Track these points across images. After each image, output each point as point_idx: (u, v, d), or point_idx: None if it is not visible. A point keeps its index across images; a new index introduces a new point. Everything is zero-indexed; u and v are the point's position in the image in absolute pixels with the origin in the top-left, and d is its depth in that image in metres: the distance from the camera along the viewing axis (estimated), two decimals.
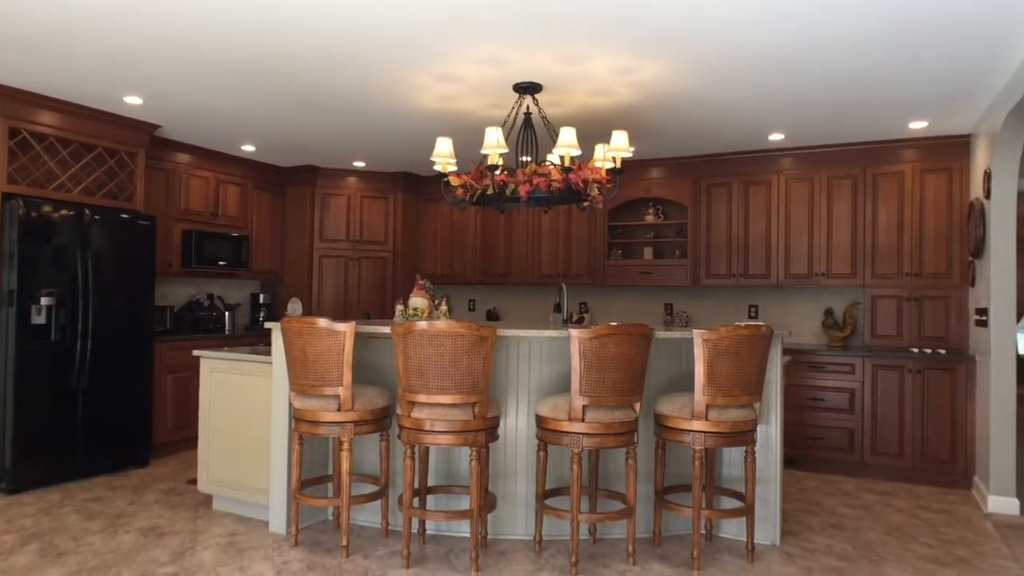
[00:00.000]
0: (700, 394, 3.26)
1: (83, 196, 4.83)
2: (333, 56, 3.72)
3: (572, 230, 6.45)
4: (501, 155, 3.90)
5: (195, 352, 4.11)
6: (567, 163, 3.77)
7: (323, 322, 3.33)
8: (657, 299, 6.37)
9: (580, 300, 6.71)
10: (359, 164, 6.60)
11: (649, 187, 6.14)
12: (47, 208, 4.48)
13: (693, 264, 5.94)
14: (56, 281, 4.52)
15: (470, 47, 3.56)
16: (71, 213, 4.61)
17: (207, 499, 4.21)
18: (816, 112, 4.58)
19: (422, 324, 3.13)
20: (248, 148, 5.98)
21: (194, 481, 4.58)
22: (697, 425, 3.29)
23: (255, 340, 6.15)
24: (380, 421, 3.51)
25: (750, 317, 6.00)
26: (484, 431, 3.25)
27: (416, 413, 3.22)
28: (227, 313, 6.34)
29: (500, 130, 3.77)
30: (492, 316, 7.14)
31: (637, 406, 3.32)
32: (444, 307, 4.73)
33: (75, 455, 4.62)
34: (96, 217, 4.74)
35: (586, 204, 4.04)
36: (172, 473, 4.88)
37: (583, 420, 3.19)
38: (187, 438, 5.54)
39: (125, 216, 4.94)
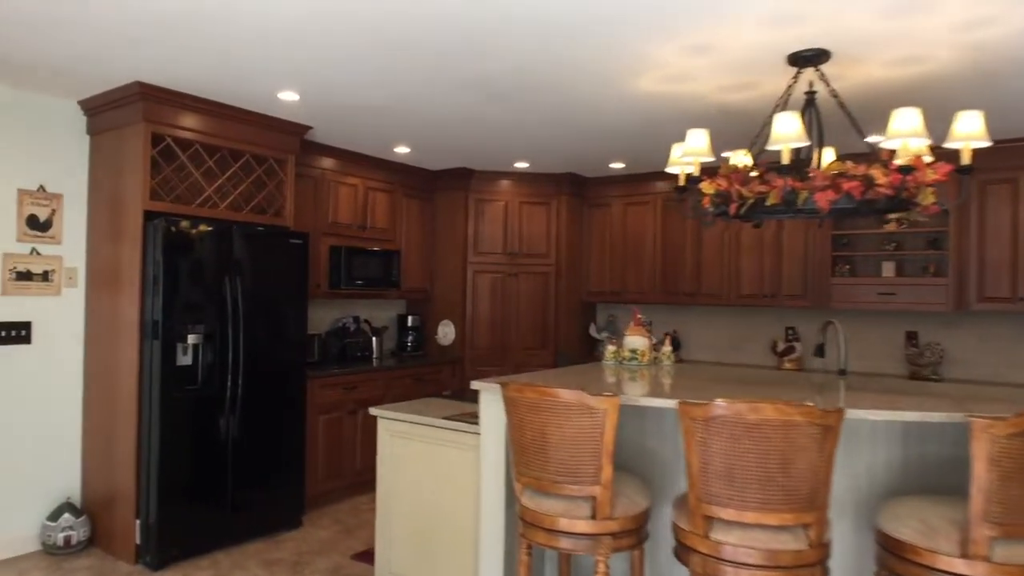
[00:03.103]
0: None
1: (230, 212, 4.12)
2: (542, 34, 2.77)
3: (783, 241, 5.26)
4: (738, 155, 2.83)
5: (372, 411, 3.26)
6: (903, 159, 2.63)
7: (571, 395, 2.35)
8: (893, 326, 5.08)
9: (788, 324, 5.51)
10: (521, 165, 5.66)
11: None
12: (192, 227, 3.77)
13: (956, 283, 4.62)
14: (202, 311, 3.81)
15: (750, 3, 2.50)
16: (218, 232, 3.89)
17: None
18: None
19: (732, 407, 2.10)
20: (402, 150, 5.16)
21: (361, 555, 3.76)
22: None
23: (408, 371, 5.33)
24: (641, 530, 2.52)
25: None
26: (820, 565, 2.18)
27: (718, 535, 2.20)
28: (374, 338, 5.57)
29: (797, 116, 2.67)
30: (672, 342, 6.05)
31: None
32: (667, 347, 3.72)
33: (224, 518, 3.91)
34: (245, 236, 4.01)
35: (900, 216, 2.89)
36: (331, 540, 4.09)
37: (988, 559, 2.06)
38: (339, 488, 4.79)
39: (276, 234, 4.20)
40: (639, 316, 3.67)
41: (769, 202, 2.83)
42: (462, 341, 5.85)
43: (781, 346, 5.43)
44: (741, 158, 3.34)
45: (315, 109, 4.07)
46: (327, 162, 5.06)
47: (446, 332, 5.89)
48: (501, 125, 4.36)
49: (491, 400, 2.79)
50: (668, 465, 2.90)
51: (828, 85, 2.99)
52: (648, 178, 5.87)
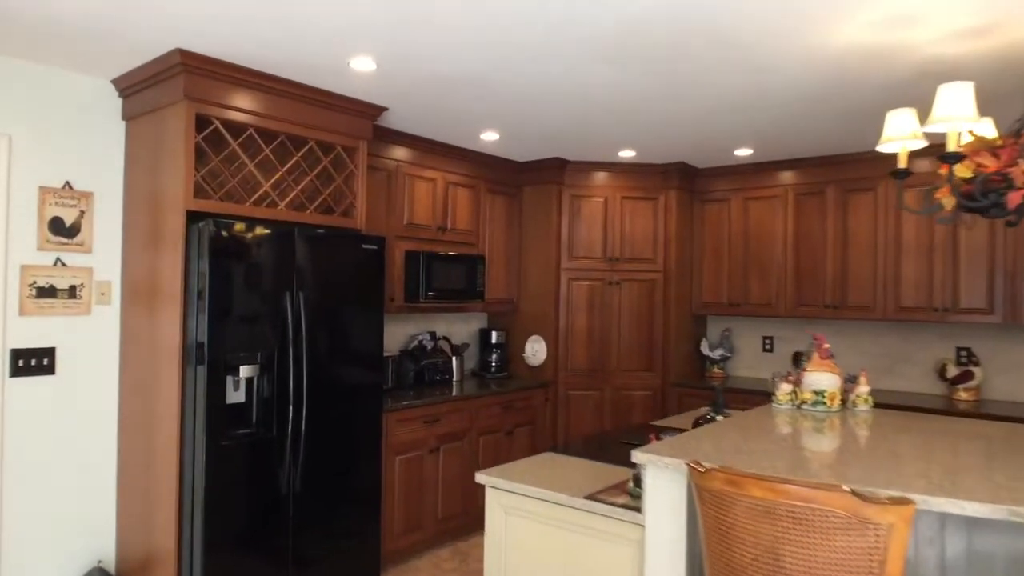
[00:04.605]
0: None
1: (291, 212, 3.37)
2: None
3: (960, 239, 4.22)
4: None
5: (479, 477, 2.43)
6: None
7: (834, 498, 1.47)
8: None
9: (960, 344, 4.46)
10: (626, 154, 4.77)
11: None
12: (246, 231, 3.03)
13: None
14: (257, 333, 3.07)
15: None
16: (277, 237, 3.14)
17: None
18: None
19: None
20: (489, 137, 4.34)
21: None
22: None
23: (495, 398, 4.52)
24: None
25: None
26: None
27: None
28: (454, 358, 4.78)
29: None
30: (799, 361, 5.07)
31: None
32: (864, 387, 2.79)
33: None
34: (309, 241, 3.26)
35: None
36: None
37: None
38: (418, 542, 4.00)
39: (346, 238, 3.44)
40: (825, 347, 2.74)
41: None
42: (555, 361, 5.00)
43: (953, 371, 4.39)
44: (985, 128, 2.41)
45: (393, 83, 3.28)
46: (400, 152, 4.29)
47: (536, 350, 5.05)
48: (618, 99, 3.49)
49: (661, 476, 1.92)
50: None
51: None
52: (772, 168, 4.90)
